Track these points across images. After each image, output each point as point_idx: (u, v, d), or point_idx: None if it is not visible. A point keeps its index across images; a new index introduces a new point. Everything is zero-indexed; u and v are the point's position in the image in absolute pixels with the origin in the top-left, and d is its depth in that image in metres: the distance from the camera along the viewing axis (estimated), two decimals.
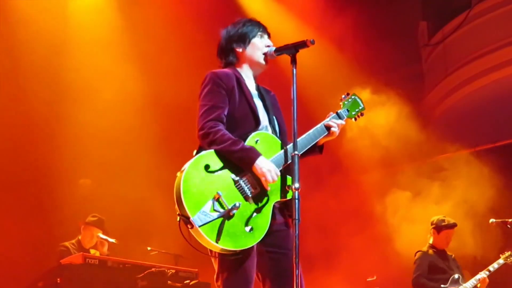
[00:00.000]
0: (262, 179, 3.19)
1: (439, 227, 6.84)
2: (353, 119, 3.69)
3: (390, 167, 8.93)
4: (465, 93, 10.22)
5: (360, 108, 3.71)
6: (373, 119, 8.21)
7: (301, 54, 3.35)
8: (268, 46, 3.51)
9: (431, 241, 6.89)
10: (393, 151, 8.58)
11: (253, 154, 3.21)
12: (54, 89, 8.21)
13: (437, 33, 11.04)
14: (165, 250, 7.07)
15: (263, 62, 3.50)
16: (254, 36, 3.51)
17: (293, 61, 3.32)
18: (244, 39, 3.50)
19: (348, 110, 3.65)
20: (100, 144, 8.28)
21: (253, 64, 3.52)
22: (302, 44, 3.32)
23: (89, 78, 8.34)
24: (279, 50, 3.43)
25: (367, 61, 9.24)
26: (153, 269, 6.05)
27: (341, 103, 3.66)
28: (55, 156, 8.23)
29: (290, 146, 3.34)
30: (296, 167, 3.15)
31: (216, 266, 3.26)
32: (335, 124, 3.49)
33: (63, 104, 8.29)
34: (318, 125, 3.49)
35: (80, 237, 6.93)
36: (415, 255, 6.83)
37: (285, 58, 3.41)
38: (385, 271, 7.95)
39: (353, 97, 3.72)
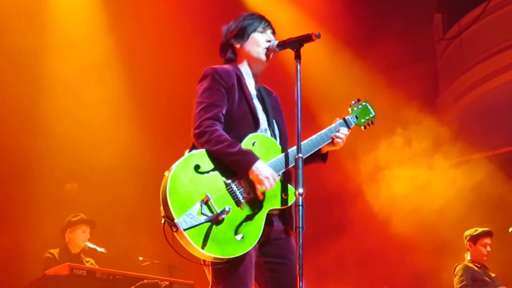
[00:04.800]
0: (258, 186, 3.17)
1: (474, 237, 6.88)
2: (362, 127, 3.69)
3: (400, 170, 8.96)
4: (483, 91, 10.22)
5: (371, 116, 3.71)
6: (384, 121, 8.21)
7: (305, 50, 3.35)
8: (269, 41, 3.49)
9: (468, 257, 6.90)
10: (404, 153, 8.62)
11: (250, 158, 3.20)
12: (34, 89, 8.23)
13: (453, 27, 11.05)
14: (158, 260, 7.07)
15: (263, 58, 3.48)
16: (253, 31, 3.50)
17: (297, 57, 3.32)
18: (243, 34, 3.49)
19: (356, 117, 3.64)
20: (89, 147, 8.31)
21: (252, 60, 3.51)
22: (307, 38, 3.30)
23: (71, 79, 8.37)
24: (282, 45, 3.42)
25: (377, 57, 9.24)
26: (145, 280, 6.04)
27: (349, 109, 3.66)
28: (40, 160, 8.25)
29: (291, 150, 3.33)
30: (300, 171, 3.13)
31: (210, 278, 3.24)
32: (341, 134, 3.49)
33: (47, 105, 8.31)
34: (323, 131, 3.48)
35: (66, 243, 6.91)
36: (454, 269, 6.83)
37: (288, 53, 3.42)
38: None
39: (364, 103, 3.71)
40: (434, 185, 8.60)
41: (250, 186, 3.21)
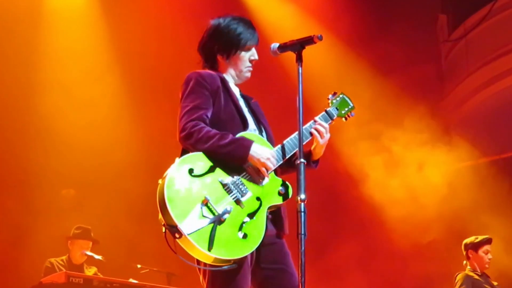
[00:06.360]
0: (263, 169, 3.21)
1: (476, 245, 6.82)
2: (343, 118, 3.72)
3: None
4: (489, 94, 10.20)
5: (350, 107, 3.74)
6: (387, 123, 8.22)
7: (307, 51, 3.34)
8: (253, 60, 3.53)
9: (469, 266, 6.85)
10: (407, 156, 8.62)
11: (245, 143, 3.23)
12: (30, 91, 8.23)
13: (458, 28, 11.04)
14: (156, 268, 7.06)
15: (246, 75, 3.55)
16: (241, 48, 3.50)
17: (299, 59, 3.32)
18: (230, 50, 3.50)
19: (337, 109, 3.68)
20: (84, 151, 8.30)
21: (235, 75, 3.55)
22: (309, 40, 3.31)
23: (67, 81, 8.37)
24: (283, 47, 3.41)
25: (380, 59, 9.23)
26: None
27: (329, 102, 3.69)
28: (34, 165, 8.24)
29: (286, 142, 3.37)
30: (302, 176, 3.14)
31: (204, 284, 3.23)
32: (319, 126, 3.47)
33: (43, 107, 8.30)
34: (303, 127, 3.44)
35: (69, 254, 6.96)
36: (455, 278, 6.79)
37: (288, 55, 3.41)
38: None
39: (341, 96, 3.74)
40: (438, 189, 8.59)
41: (247, 184, 3.23)
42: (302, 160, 3.17)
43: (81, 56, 8.51)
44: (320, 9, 9.20)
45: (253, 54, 3.55)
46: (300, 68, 3.30)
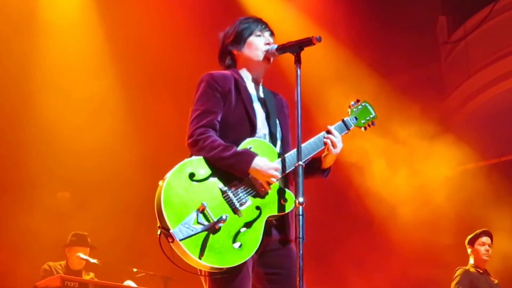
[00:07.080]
0: (264, 180, 3.18)
1: (472, 239, 6.89)
2: (362, 128, 3.66)
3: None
4: (489, 96, 10.21)
5: (372, 116, 3.69)
6: (387, 126, 8.22)
7: (306, 52, 3.33)
8: (268, 44, 3.50)
9: (471, 261, 6.89)
10: (407, 159, 8.62)
11: (247, 157, 3.20)
12: (25, 92, 8.23)
13: (458, 29, 11.05)
14: (153, 271, 7.05)
15: (262, 61, 3.48)
16: (250, 35, 3.50)
17: (297, 61, 3.30)
18: (240, 39, 3.50)
19: (356, 118, 3.62)
20: (82, 153, 8.29)
21: (252, 65, 3.51)
22: (308, 42, 3.29)
23: (64, 82, 8.36)
24: (282, 48, 3.41)
25: (380, 61, 9.23)
26: None
27: (349, 110, 3.63)
28: (32, 167, 8.23)
29: (289, 155, 3.32)
30: (301, 179, 3.11)
31: None
32: (331, 136, 3.42)
33: (38, 109, 8.30)
34: (316, 136, 3.43)
35: (67, 261, 6.97)
36: (455, 272, 6.82)
37: (288, 56, 3.40)
38: None
39: (363, 104, 3.70)
40: (439, 193, 8.60)
41: (247, 192, 3.22)
42: (300, 163, 3.14)
43: (78, 57, 8.50)
44: (320, 11, 9.19)
45: (267, 38, 3.52)
46: (298, 70, 3.29)
